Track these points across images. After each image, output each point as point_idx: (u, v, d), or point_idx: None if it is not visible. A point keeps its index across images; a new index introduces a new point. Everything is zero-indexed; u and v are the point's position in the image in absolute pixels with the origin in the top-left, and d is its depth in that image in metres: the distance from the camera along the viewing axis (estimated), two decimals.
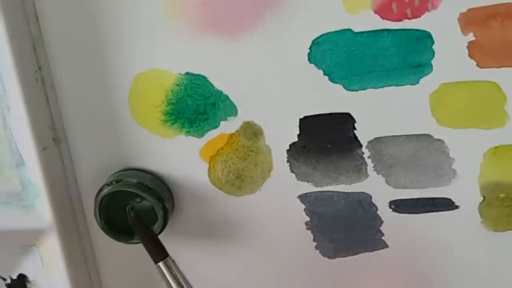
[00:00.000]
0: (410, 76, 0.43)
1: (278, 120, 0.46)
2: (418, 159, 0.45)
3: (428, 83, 0.43)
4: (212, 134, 0.47)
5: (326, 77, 0.44)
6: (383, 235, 0.49)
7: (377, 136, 0.45)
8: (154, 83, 0.45)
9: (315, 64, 0.43)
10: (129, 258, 0.52)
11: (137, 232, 0.41)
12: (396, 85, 0.43)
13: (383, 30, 0.42)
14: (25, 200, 0.48)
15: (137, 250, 0.51)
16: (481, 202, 0.46)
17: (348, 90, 0.44)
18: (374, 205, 0.48)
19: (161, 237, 0.48)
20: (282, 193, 0.48)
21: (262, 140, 0.47)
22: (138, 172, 0.48)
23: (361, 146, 0.46)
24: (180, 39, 0.44)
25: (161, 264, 0.41)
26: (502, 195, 0.46)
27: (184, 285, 0.41)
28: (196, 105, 0.46)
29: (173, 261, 0.41)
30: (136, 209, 0.49)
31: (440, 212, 0.47)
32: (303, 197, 0.48)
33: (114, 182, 0.47)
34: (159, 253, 0.41)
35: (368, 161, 0.46)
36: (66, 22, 0.44)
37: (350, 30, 0.42)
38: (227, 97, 0.45)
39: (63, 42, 0.45)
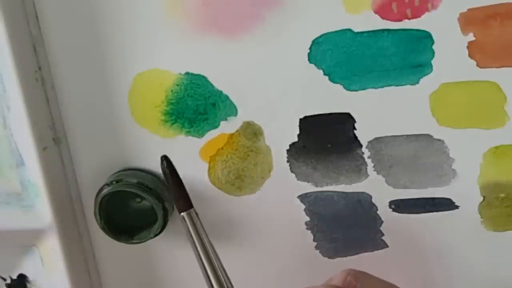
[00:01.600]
0: (410, 76, 0.43)
1: (278, 120, 0.46)
2: (418, 159, 0.45)
3: (428, 83, 0.43)
4: (212, 134, 0.47)
5: (326, 77, 0.44)
6: (383, 235, 0.49)
7: (377, 136, 0.45)
8: (154, 83, 0.45)
9: (315, 64, 0.43)
10: (129, 258, 0.52)
11: (167, 179, 0.42)
12: (396, 85, 0.43)
13: (383, 30, 0.42)
14: (25, 200, 0.48)
15: (137, 250, 0.51)
16: (481, 202, 0.46)
17: (348, 90, 0.44)
18: (374, 205, 0.48)
19: (161, 237, 0.48)
20: (282, 193, 0.48)
21: (262, 140, 0.47)
22: (138, 172, 0.48)
23: (361, 146, 0.46)
24: (180, 39, 0.44)
25: (184, 214, 0.42)
26: (502, 195, 0.46)
27: (204, 239, 0.42)
28: (196, 105, 0.46)
29: (197, 214, 0.43)
30: (136, 209, 0.49)
31: (440, 212, 0.47)
32: (303, 197, 0.48)
33: (114, 182, 0.47)
34: (184, 203, 0.42)
35: (368, 161, 0.46)
36: (66, 22, 0.44)
37: (350, 30, 0.42)
38: (227, 97, 0.45)
39: (63, 42, 0.45)
